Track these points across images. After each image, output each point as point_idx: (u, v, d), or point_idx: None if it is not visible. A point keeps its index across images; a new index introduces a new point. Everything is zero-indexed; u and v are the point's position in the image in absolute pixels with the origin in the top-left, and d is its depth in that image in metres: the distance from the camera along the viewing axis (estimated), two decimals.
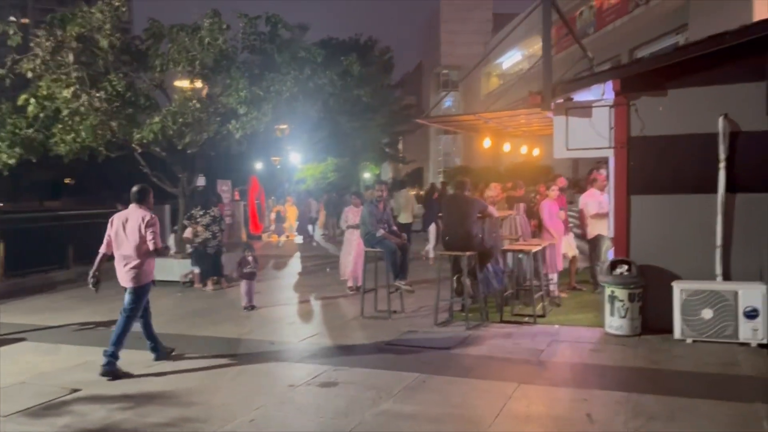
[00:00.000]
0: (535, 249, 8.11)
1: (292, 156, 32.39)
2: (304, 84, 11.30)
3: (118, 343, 6.18)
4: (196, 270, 11.38)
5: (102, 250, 6.40)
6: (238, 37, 11.52)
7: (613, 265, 7.23)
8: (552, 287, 9.08)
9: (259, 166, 35.85)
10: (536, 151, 12.50)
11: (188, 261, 11.58)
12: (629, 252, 7.36)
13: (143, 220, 6.20)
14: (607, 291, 7.15)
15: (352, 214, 10.74)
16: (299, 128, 22.12)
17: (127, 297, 6.31)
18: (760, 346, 6.48)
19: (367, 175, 50.20)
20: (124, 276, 6.28)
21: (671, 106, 7.13)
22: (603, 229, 9.47)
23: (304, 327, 8.23)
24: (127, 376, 6.11)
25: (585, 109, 7.53)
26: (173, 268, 11.87)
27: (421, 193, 35.10)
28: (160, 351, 6.71)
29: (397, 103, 48.56)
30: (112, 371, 6.05)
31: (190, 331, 8.08)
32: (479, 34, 55.38)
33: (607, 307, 7.16)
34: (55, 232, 13.85)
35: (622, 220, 7.40)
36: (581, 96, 7.63)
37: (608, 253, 8.36)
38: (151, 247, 6.17)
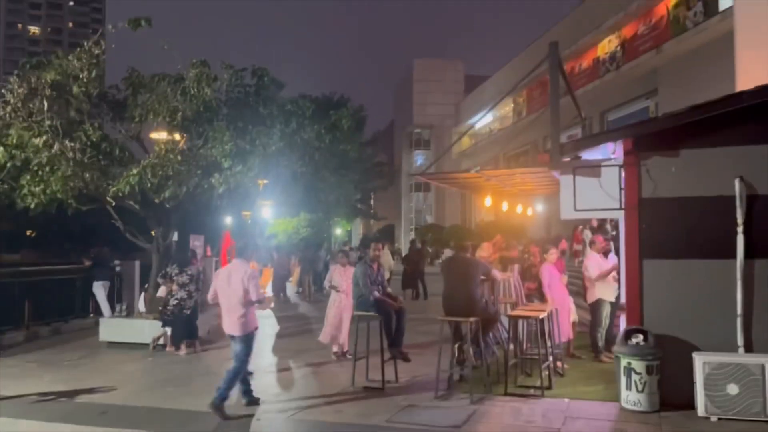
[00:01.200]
0: (542, 315, 7.62)
1: (263, 210, 31.73)
2: (290, 137, 10.87)
3: (230, 386, 6.73)
4: (168, 332, 10.57)
5: (209, 298, 7.09)
6: (223, 89, 11.12)
7: (628, 334, 6.78)
8: (556, 356, 8.54)
9: (229, 220, 35.09)
10: (530, 211, 12.22)
11: (159, 322, 10.74)
12: (643, 320, 6.93)
13: (245, 273, 6.74)
14: (623, 362, 6.65)
15: (338, 274, 10.15)
16: (274, 183, 21.63)
17: (238, 346, 6.81)
18: None
19: (338, 231, 49.77)
20: (231, 325, 6.81)
21: (684, 166, 6.86)
22: (604, 293, 9.09)
23: (290, 399, 7.48)
24: (226, 417, 6.57)
25: (593, 169, 7.23)
26: (143, 329, 11.04)
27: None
28: (250, 395, 6.99)
29: (370, 160, 48.61)
30: (218, 408, 6.58)
31: (165, 404, 7.29)
32: (451, 95, 56.41)
33: (623, 380, 6.65)
34: (13, 288, 12.85)
35: (635, 285, 7.00)
36: (589, 155, 7.34)
37: (620, 320, 7.94)
38: (254, 298, 6.73)
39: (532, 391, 7.44)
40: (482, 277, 7.55)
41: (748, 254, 6.55)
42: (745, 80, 12.80)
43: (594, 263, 9.08)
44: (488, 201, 9.89)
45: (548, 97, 7.25)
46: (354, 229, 59.91)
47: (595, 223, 16.67)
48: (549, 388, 7.53)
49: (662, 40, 23.03)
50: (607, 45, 26.98)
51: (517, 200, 11.46)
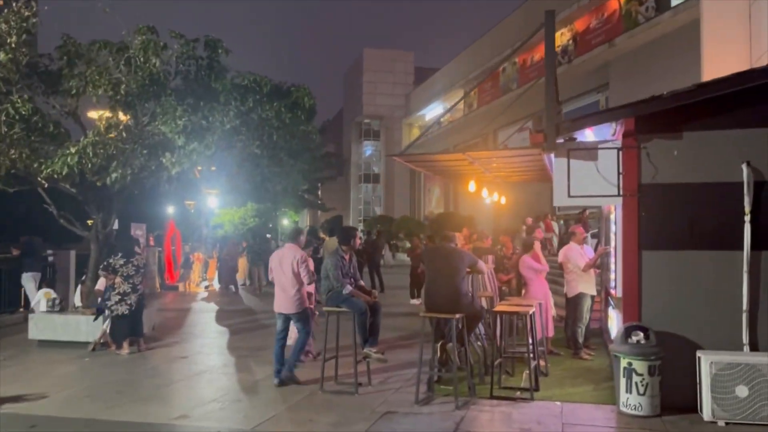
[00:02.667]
0: (531, 311, 7.02)
1: (209, 200, 30.26)
2: (246, 116, 9.92)
3: (297, 357, 7.47)
4: (106, 327, 9.47)
5: (270, 277, 7.67)
6: (172, 61, 10.06)
7: (627, 331, 6.24)
8: (540, 353, 7.97)
9: (171, 209, 33.54)
10: (503, 200, 11.65)
11: (99, 318, 9.65)
12: (641, 316, 6.42)
13: (295, 258, 7.26)
14: (623, 362, 6.11)
15: None
16: (221, 169, 20.46)
17: (298, 323, 7.41)
18: None
19: (285, 222, 48.42)
20: (284, 304, 7.33)
21: (688, 150, 6.35)
22: (586, 287, 8.61)
23: (253, 406, 6.64)
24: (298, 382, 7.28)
25: (590, 152, 6.64)
26: (79, 326, 9.92)
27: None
28: (283, 376, 7.29)
29: (318, 149, 47.46)
30: (291, 379, 7.31)
31: (107, 414, 6.33)
32: (401, 86, 55.93)
33: (623, 381, 6.11)
34: None
35: (633, 279, 6.46)
36: (584, 136, 6.76)
37: (614, 316, 7.43)
38: (306, 282, 7.33)
39: (518, 394, 6.84)
40: (467, 270, 6.89)
41: (756, 245, 6.09)
42: (712, 71, 12.59)
43: (577, 254, 8.58)
44: (472, 186, 9.22)
45: (544, 69, 6.63)
46: (301, 219, 58.58)
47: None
48: (536, 389, 6.95)
49: (614, 35, 23.02)
50: (559, 38, 26.84)
51: (492, 188, 10.89)
